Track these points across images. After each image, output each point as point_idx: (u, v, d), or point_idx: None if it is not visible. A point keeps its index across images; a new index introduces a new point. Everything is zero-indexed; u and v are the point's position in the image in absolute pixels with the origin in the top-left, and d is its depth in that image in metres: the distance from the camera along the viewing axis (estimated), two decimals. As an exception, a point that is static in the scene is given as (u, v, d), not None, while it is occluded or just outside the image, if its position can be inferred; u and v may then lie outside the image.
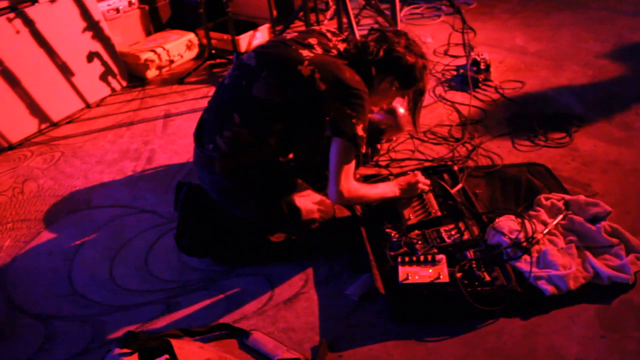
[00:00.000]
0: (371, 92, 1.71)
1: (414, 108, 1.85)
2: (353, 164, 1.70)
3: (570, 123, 2.50)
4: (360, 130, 1.63)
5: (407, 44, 1.71)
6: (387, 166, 2.34)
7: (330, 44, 1.76)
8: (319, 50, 1.71)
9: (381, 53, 1.69)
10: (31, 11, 2.78)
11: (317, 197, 1.86)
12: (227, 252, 1.91)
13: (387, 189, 1.89)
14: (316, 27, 1.86)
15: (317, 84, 1.61)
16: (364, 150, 1.68)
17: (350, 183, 1.71)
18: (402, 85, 1.76)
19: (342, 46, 1.78)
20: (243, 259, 1.92)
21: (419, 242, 1.78)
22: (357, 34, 2.94)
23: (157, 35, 3.72)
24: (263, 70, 1.68)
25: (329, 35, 1.79)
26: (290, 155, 1.84)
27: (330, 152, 1.67)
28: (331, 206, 1.88)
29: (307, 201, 1.82)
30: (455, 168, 2.17)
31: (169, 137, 2.79)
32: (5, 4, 2.71)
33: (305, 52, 1.67)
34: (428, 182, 1.98)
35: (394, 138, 2.49)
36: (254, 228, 1.91)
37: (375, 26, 2.20)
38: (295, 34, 1.80)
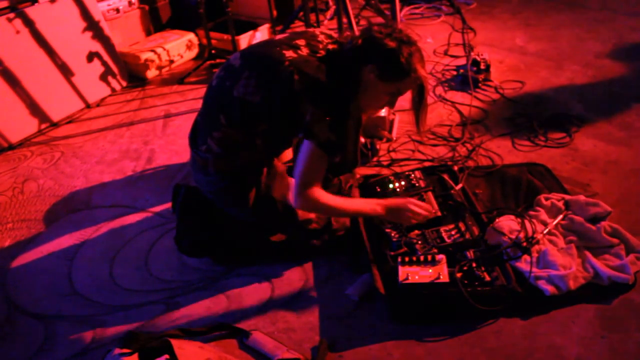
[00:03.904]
0: (359, 92, 1.60)
1: (417, 108, 1.69)
2: (322, 170, 1.62)
3: (570, 123, 2.51)
4: (333, 136, 1.55)
5: (390, 31, 1.54)
6: (388, 165, 2.34)
7: (321, 46, 1.68)
8: (305, 51, 1.64)
9: (359, 42, 1.57)
10: (31, 11, 2.78)
11: None
12: (227, 252, 1.92)
13: (368, 207, 1.74)
14: (310, 29, 1.80)
15: (294, 85, 1.55)
16: (336, 159, 1.62)
17: (315, 190, 1.61)
18: (385, 74, 1.56)
19: (332, 47, 1.68)
20: (243, 259, 1.92)
21: (419, 242, 1.77)
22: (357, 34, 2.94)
23: (157, 35, 3.72)
24: (244, 70, 1.65)
25: (321, 37, 1.71)
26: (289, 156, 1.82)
27: (299, 154, 1.60)
28: None
29: None
30: (455, 168, 2.17)
31: (169, 137, 2.79)
32: (5, 4, 2.71)
33: (289, 53, 1.61)
34: (427, 208, 1.79)
35: (394, 138, 2.49)
36: (253, 228, 1.91)
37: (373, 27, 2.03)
38: (287, 34, 1.74)
